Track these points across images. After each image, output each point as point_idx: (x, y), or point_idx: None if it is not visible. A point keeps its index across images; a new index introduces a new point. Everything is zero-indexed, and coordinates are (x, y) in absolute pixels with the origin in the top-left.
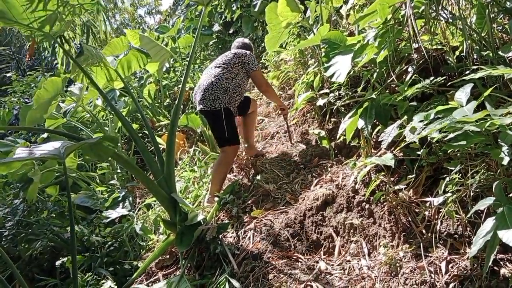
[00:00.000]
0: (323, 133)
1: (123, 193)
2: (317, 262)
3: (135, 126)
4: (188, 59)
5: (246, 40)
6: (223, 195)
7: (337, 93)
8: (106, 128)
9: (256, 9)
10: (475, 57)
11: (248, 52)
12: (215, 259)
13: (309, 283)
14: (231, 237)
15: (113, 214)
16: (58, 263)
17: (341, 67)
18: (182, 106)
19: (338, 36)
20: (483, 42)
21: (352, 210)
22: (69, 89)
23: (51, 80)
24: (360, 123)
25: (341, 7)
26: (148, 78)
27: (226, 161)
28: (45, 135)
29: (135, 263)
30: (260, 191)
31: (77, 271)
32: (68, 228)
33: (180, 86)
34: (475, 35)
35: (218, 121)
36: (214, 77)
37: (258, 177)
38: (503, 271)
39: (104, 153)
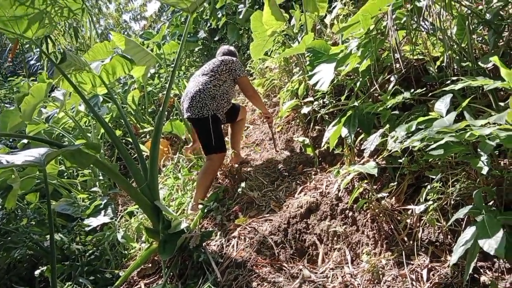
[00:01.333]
0: (307, 140)
1: (105, 201)
2: (301, 270)
3: (118, 132)
4: (173, 65)
5: (231, 48)
6: (207, 202)
7: (321, 101)
8: (89, 135)
9: (241, 17)
10: (455, 67)
11: (234, 58)
12: (198, 268)
13: None
14: (214, 245)
15: (95, 222)
16: (37, 272)
17: (324, 76)
18: (166, 113)
19: (322, 45)
20: (463, 52)
21: (335, 218)
22: (52, 94)
23: (37, 86)
24: (344, 131)
25: (325, 16)
26: (132, 84)
27: (212, 169)
28: (25, 140)
29: (116, 272)
30: (244, 199)
31: (56, 280)
32: (48, 236)
33: (165, 92)
34: (455, 46)
35: (205, 128)
36: (202, 84)
37: (243, 185)
38: (483, 278)
39: (86, 160)
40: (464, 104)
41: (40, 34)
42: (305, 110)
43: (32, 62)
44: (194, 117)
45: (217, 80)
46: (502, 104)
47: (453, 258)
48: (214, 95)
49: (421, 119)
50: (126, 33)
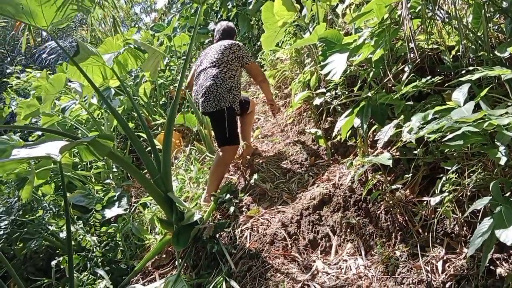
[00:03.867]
0: (319, 132)
1: (119, 192)
2: (314, 261)
3: (130, 125)
4: (184, 57)
5: (230, 24)
6: (220, 194)
7: (333, 92)
8: (102, 127)
9: (251, 7)
10: (471, 56)
11: (239, 44)
12: (211, 259)
13: (306, 282)
14: (227, 236)
15: (109, 213)
16: (53, 262)
17: (337, 66)
18: (178, 105)
19: (335, 35)
20: (479, 41)
21: (348, 210)
22: (71, 85)
23: (57, 76)
24: (357, 122)
25: (337, 6)
26: (143, 76)
27: (225, 161)
28: (39, 132)
29: (131, 262)
30: (256, 191)
31: (73, 270)
32: (63, 228)
33: (176, 85)
34: (471, 35)
35: (221, 120)
36: (215, 77)
37: (255, 176)
38: (499, 270)
39: (100, 151)
40: (482, 93)
41: (55, 25)
42: (317, 101)
43: (44, 55)
44: (212, 110)
45: (230, 71)
46: None
47: (469, 250)
48: (230, 87)
49: (437, 108)
50: (137, 25)
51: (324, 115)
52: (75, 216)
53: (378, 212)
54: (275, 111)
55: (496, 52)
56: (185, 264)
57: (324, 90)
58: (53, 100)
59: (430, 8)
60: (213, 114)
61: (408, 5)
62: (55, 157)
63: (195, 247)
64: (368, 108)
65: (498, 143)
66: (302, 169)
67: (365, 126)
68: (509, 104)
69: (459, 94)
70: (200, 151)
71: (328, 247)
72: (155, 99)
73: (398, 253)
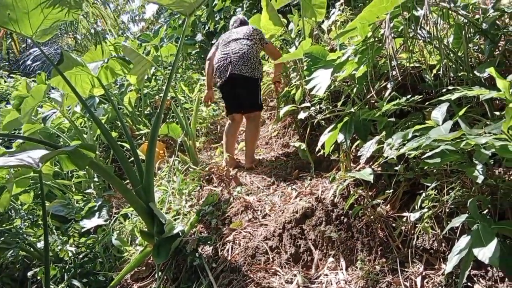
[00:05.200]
0: (303, 146)
1: (100, 203)
2: (295, 275)
3: (114, 134)
4: (170, 68)
5: (243, 17)
6: (202, 206)
7: (318, 107)
8: (85, 136)
9: None
10: (451, 75)
11: (260, 29)
12: (192, 272)
13: None
14: (209, 249)
15: (89, 224)
16: (30, 273)
17: (321, 81)
18: (163, 115)
19: (320, 51)
20: (459, 61)
21: (330, 224)
22: (51, 95)
23: (37, 88)
24: (340, 137)
25: (323, 22)
26: (128, 86)
27: (259, 124)
28: (20, 140)
29: (109, 274)
30: (240, 203)
31: (50, 282)
32: (41, 238)
33: (162, 95)
34: (451, 55)
35: (254, 87)
36: (250, 47)
37: (238, 189)
38: (476, 287)
39: (82, 161)
40: (460, 113)
41: (40, 33)
42: (301, 115)
43: (28, 62)
44: (247, 75)
45: (258, 47)
46: (497, 113)
47: (448, 267)
48: (260, 61)
49: (417, 127)
50: (124, 34)
51: (308, 129)
52: (54, 226)
53: (359, 226)
54: (279, 88)
55: (475, 72)
56: (165, 277)
57: (308, 104)
58: (33, 110)
59: (413, 28)
60: (246, 79)
61: (391, 25)
62: (35, 166)
63: (175, 260)
64: (351, 123)
65: (476, 162)
66: (286, 182)
67: (348, 141)
68: (487, 123)
69: (438, 113)
70: (184, 162)
71: (310, 261)
72: (139, 109)
73: (378, 268)
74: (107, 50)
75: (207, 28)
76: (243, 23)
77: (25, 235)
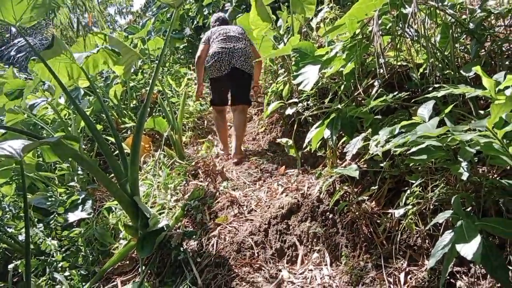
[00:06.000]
0: (290, 142)
1: (83, 196)
2: (280, 270)
3: (98, 127)
4: (157, 61)
5: (224, 15)
6: (188, 200)
7: (305, 103)
8: (69, 128)
9: (227, 15)
10: (437, 74)
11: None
12: (176, 266)
13: None
14: (194, 243)
15: (72, 217)
16: (11, 266)
17: (309, 76)
18: (149, 109)
19: (309, 47)
20: (446, 60)
21: (316, 220)
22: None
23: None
24: (326, 133)
25: (311, 19)
26: (114, 78)
27: (246, 117)
28: (2, 130)
29: (92, 268)
30: (226, 198)
31: (30, 275)
32: (23, 230)
33: (148, 88)
34: (438, 54)
35: (248, 83)
36: (246, 46)
37: (224, 184)
38: (459, 283)
39: (65, 153)
40: (447, 110)
41: (25, 21)
42: (289, 111)
43: (12, 53)
44: (246, 71)
45: (249, 47)
46: (482, 112)
47: (430, 262)
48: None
49: (404, 123)
50: (111, 27)
51: (295, 125)
52: (36, 219)
53: (345, 222)
54: (258, 92)
55: (461, 72)
56: (149, 271)
57: (296, 100)
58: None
59: (400, 26)
60: (245, 74)
61: (379, 22)
62: (17, 157)
63: (159, 254)
64: (338, 120)
65: (461, 159)
66: (272, 177)
67: (334, 138)
68: (472, 121)
69: (424, 110)
70: (169, 156)
71: (295, 256)
72: (125, 102)
73: (362, 264)
74: (92, 42)
75: (195, 22)
76: (226, 21)
77: (6, 228)
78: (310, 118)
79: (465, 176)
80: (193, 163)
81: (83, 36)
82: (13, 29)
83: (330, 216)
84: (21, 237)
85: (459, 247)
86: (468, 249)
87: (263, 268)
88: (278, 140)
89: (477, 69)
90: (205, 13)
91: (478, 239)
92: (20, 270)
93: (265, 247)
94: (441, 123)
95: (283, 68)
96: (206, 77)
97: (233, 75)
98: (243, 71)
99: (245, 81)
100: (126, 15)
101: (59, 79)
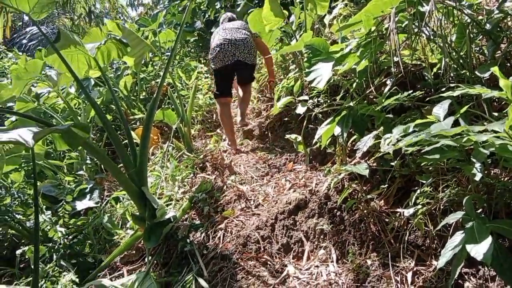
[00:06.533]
0: (299, 138)
1: (91, 185)
2: (286, 265)
3: (108, 117)
4: (168, 53)
5: (232, 14)
6: (195, 193)
7: (316, 100)
8: (78, 117)
9: (239, 10)
10: (451, 74)
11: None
12: (182, 257)
13: (276, 286)
14: (200, 236)
15: (79, 205)
16: (18, 252)
17: (322, 73)
18: (159, 101)
19: (322, 43)
20: (461, 61)
21: (323, 216)
22: (47, 72)
23: (34, 62)
24: (337, 130)
25: (324, 15)
26: (125, 69)
27: (251, 90)
28: (13, 118)
29: (99, 256)
30: (233, 192)
31: (38, 261)
32: (31, 217)
33: (158, 80)
34: (453, 54)
35: (252, 71)
36: (249, 37)
37: (232, 178)
38: (467, 284)
39: (75, 141)
40: (463, 110)
41: (38, 10)
42: (299, 107)
43: (24, 41)
44: (249, 63)
45: (252, 38)
46: (496, 114)
47: (440, 262)
48: (256, 51)
49: (418, 121)
50: (122, 18)
51: (305, 122)
52: (44, 206)
53: (352, 220)
54: (273, 86)
55: (477, 72)
56: (155, 261)
57: (306, 97)
58: (25, 85)
59: (417, 24)
60: (248, 65)
61: (396, 19)
62: (28, 144)
63: (166, 245)
64: (349, 117)
65: (474, 160)
66: (280, 173)
67: (345, 135)
68: (484, 124)
69: (440, 109)
70: (178, 148)
71: (301, 252)
72: (135, 93)
73: (369, 262)
74: (104, 32)
75: (207, 16)
76: (232, 19)
77: (14, 214)
78: (320, 115)
79: (478, 177)
80: (201, 156)
81: (98, 26)
82: (25, 18)
83: (338, 213)
84: (29, 224)
85: (469, 248)
86: (478, 250)
87: (269, 262)
88: (287, 136)
89: (495, 70)
90: (216, 7)
91: (489, 240)
92: (27, 256)
93: (272, 242)
94: (455, 123)
95: (294, 64)
96: (211, 68)
97: (236, 65)
98: (247, 64)
99: (248, 70)
100: (137, 7)
101: (71, 68)
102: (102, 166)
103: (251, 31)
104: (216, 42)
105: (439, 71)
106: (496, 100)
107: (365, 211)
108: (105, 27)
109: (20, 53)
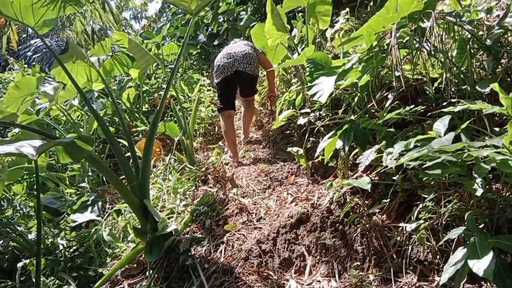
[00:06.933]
0: (301, 151)
1: (93, 197)
2: (288, 280)
3: (111, 129)
4: (171, 66)
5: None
6: (197, 206)
7: (317, 113)
8: (81, 130)
9: (242, 23)
10: (452, 89)
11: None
12: (184, 271)
13: None
14: (202, 249)
15: (81, 218)
16: (20, 264)
17: (324, 87)
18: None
19: (324, 57)
20: (462, 76)
21: (325, 230)
22: (42, 88)
23: (25, 79)
24: (339, 144)
25: (326, 29)
26: (128, 82)
27: (254, 105)
28: (16, 130)
29: (100, 270)
30: (235, 205)
31: (40, 274)
32: (32, 229)
33: (161, 93)
34: (454, 69)
35: (253, 82)
36: (251, 50)
37: (234, 191)
38: None
39: (79, 154)
40: (463, 126)
41: (42, 24)
42: (301, 121)
43: (29, 53)
44: (250, 73)
45: (255, 53)
46: (497, 129)
47: (442, 278)
48: (258, 64)
49: (419, 137)
50: (125, 31)
51: (307, 135)
52: (46, 219)
53: (354, 235)
54: (275, 101)
55: (477, 87)
56: (156, 275)
57: (308, 110)
58: (19, 103)
59: (418, 39)
60: (249, 75)
61: (397, 35)
62: (31, 156)
63: (167, 259)
64: (350, 131)
65: (475, 175)
66: (282, 186)
67: (346, 149)
68: (489, 136)
69: (440, 125)
70: (180, 161)
71: (303, 267)
72: (138, 106)
73: (371, 277)
74: (108, 45)
75: (210, 29)
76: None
77: (16, 226)
78: (322, 128)
79: (479, 193)
80: (203, 169)
81: (97, 42)
82: (30, 30)
83: (340, 228)
84: (31, 236)
85: (471, 264)
86: (480, 266)
87: (270, 277)
88: (289, 149)
89: (495, 86)
90: (220, 20)
91: (490, 256)
92: (29, 269)
93: (273, 256)
94: (456, 139)
95: (296, 78)
96: (214, 84)
97: (236, 76)
98: (247, 73)
99: (249, 81)
100: (140, 20)
101: (75, 81)
102: (104, 178)
103: (255, 48)
104: (217, 58)
105: (440, 86)
106: (497, 114)
107: (367, 226)
108: (109, 39)
109: (26, 65)
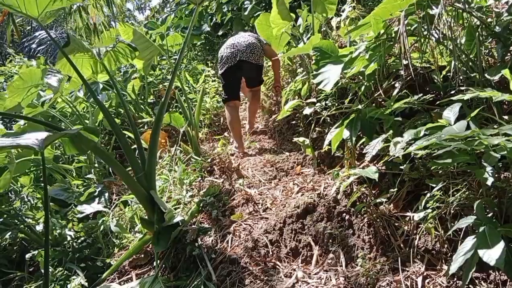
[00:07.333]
0: (307, 141)
1: (100, 188)
2: (295, 270)
3: (116, 121)
4: (176, 57)
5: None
6: (203, 196)
7: (323, 103)
8: (86, 121)
9: (246, 13)
10: (461, 77)
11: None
12: (191, 261)
13: None
14: (209, 240)
15: (88, 209)
16: (28, 255)
17: (330, 76)
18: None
19: (330, 46)
20: (470, 63)
21: (332, 220)
22: (46, 80)
23: (29, 70)
24: (345, 134)
25: (331, 18)
26: (133, 73)
27: (260, 96)
28: (21, 122)
29: (107, 260)
30: (241, 195)
31: (49, 265)
32: (40, 220)
33: (166, 84)
34: (463, 56)
35: (258, 71)
36: (255, 40)
37: (240, 181)
38: None
39: (85, 145)
40: (473, 113)
41: (45, 15)
42: (307, 110)
43: (33, 46)
44: (253, 62)
45: (259, 43)
46: (506, 117)
47: (452, 268)
48: (263, 54)
49: (429, 125)
50: (129, 22)
51: (312, 125)
52: (53, 210)
53: (361, 224)
54: (280, 91)
55: (486, 75)
56: (164, 265)
57: (314, 100)
58: (25, 94)
59: (426, 27)
60: (253, 65)
61: (405, 22)
62: (38, 148)
63: (174, 249)
64: (357, 121)
65: (485, 164)
66: (288, 177)
67: (353, 138)
68: (499, 124)
69: (450, 113)
70: (185, 152)
71: (309, 256)
72: (143, 97)
73: (379, 266)
74: (113, 36)
75: (214, 19)
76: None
77: (24, 218)
78: (328, 118)
79: (489, 181)
80: (209, 160)
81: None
82: (34, 22)
83: (347, 217)
84: (38, 228)
85: (481, 253)
86: (491, 255)
87: (277, 266)
88: (295, 139)
89: (506, 72)
90: (224, 10)
91: (501, 245)
92: (37, 260)
93: (280, 246)
94: (466, 127)
95: (301, 67)
96: (219, 75)
97: (240, 65)
98: (250, 63)
99: (254, 71)
100: (144, 11)
101: (80, 73)
102: (111, 169)
103: (260, 39)
104: (221, 49)
105: (448, 74)
106: (505, 102)
107: (374, 215)
108: (113, 30)
109: (26, 58)
